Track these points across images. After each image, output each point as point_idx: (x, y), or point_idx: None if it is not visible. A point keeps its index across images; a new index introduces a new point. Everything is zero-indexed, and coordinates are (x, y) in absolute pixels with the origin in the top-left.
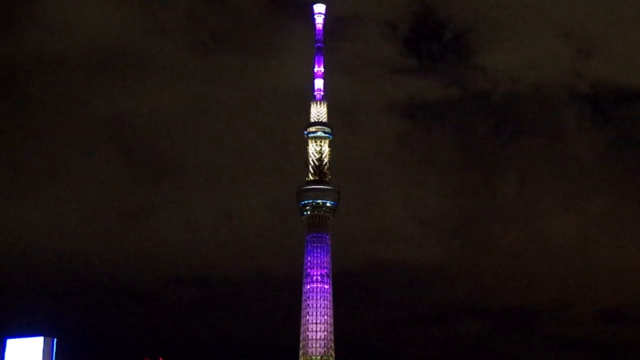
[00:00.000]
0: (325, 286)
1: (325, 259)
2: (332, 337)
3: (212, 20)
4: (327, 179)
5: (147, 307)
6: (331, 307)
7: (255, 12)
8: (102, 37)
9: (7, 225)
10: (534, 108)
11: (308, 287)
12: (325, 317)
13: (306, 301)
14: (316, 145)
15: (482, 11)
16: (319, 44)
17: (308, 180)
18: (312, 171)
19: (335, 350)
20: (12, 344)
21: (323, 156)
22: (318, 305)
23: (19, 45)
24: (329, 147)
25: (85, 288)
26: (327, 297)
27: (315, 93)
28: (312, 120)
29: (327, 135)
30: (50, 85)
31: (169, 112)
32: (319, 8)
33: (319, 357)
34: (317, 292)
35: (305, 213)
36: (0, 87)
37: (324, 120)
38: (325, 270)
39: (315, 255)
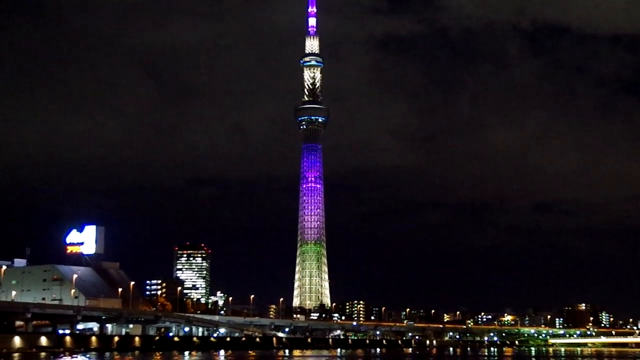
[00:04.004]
0: (318, 186)
1: (318, 164)
2: (324, 225)
3: None
4: (319, 100)
5: (176, 202)
6: (323, 202)
7: None
8: None
9: (63, 138)
10: (484, 41)
11: (304, 186)
12: (318, 210)
13: (303, 197)
14: (310, 72)
15: None
16: None
17: (304, 101)
18: (307, 93)
19: (326, 236)
20: (71, 231)
21: (316, 81)
22: (312, 200)
23: None
24: (320, 73)
25: (127, 187)
26: (319, 194)
27: (309, 29)
28: (306, 51)
29: (319, 64)
30: (93, 22)
31: (189, 45)
32: None
33: (313, 242)
34: (311, 191)
35: (301, 127)
36: (51, 24)
37: (316, 52)
38: (318, 173)
39: (309, 161)
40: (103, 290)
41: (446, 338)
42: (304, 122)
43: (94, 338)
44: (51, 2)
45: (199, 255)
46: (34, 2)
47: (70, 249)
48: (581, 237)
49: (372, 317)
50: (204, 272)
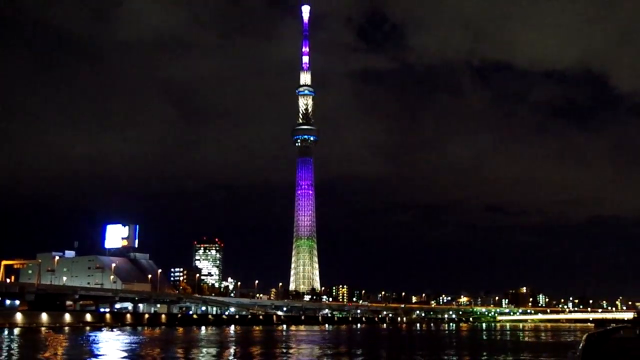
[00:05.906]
0: (310, 192)
1: (310, 174)
2: (315, 224)
3: (232, 14)
4: (311, 122)
5: (194, 204)
6: (314, 205)
7: (262, 11)
8: (161, 28)
9: (103, 152)
10: (444, 75)
11: (299, 192)
12: (310, 211)
13: (297, 201)
14: (304, 100)
15: (411, 10)
16: (305, 32)
17: (299, 123)
18: (301, 117)
19: (317, 233)
20: (110, 228)
21: (308, 107)
22: (305, 204)
23: (110, 35)
24: (312, 101)
25: (154, 192)
26: (311, 198)
27: (303, 65)
28: (301, 83)
29: (311, 93)
30: (127, 59)
31: (204, 79)
32: (306, 8)
33: (306, 237)
34: (305, 195)
35: (297, 144)
36: (94, 61)
37: (309, 83)
38: (310, 181)
39: (303, 171)
40: (136, 277)
41: (414, 316)
42: (298, 140)
43: (128, 315)
44: (93, 43)
45: (214, 248)
46: (80, 44)
47: (109, 243)
48: (523, 233)
49: (354, 299)
50: (218, 261)
